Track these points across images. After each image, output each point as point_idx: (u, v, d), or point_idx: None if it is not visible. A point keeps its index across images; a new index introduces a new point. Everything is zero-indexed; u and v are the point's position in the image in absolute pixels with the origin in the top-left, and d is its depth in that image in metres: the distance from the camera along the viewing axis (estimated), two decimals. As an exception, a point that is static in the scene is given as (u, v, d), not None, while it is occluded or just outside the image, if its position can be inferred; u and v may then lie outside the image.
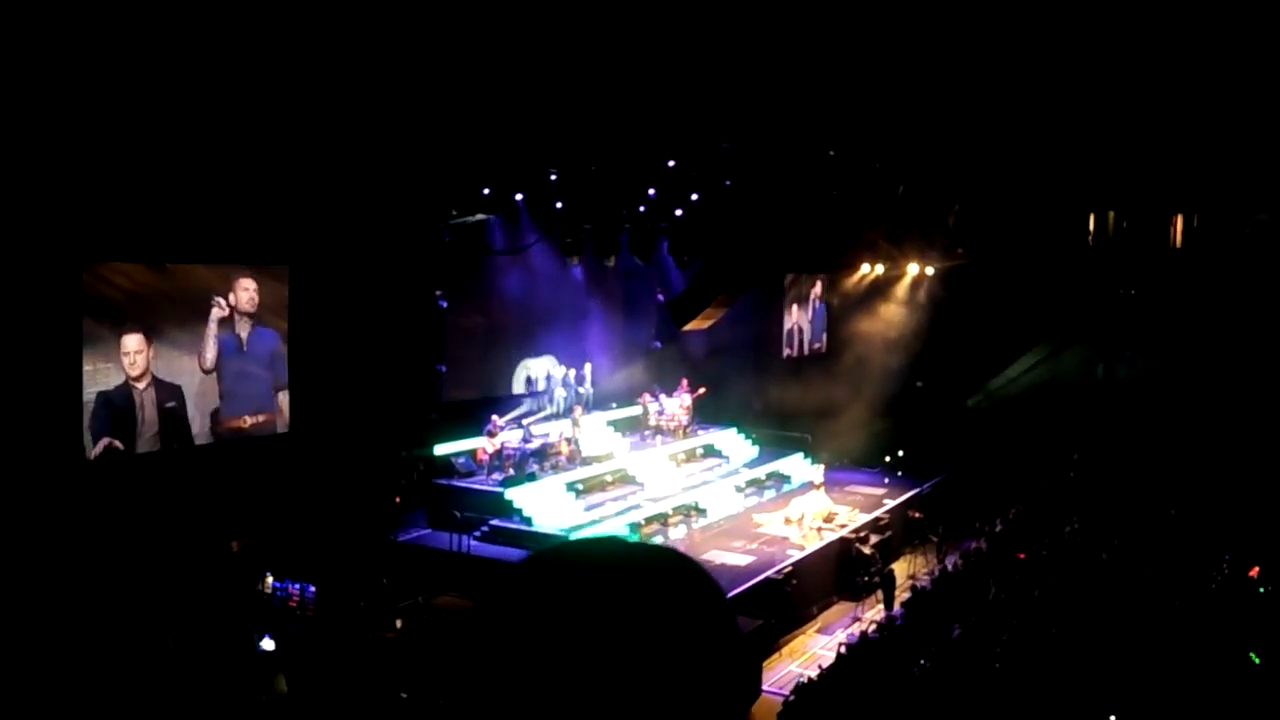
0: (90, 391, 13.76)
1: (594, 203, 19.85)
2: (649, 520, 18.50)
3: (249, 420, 15.80)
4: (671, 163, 18.20)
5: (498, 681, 0.95)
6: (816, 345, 28.52)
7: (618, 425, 22.14)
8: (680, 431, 22.34)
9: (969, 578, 16.49)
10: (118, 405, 14.09)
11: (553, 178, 18.64)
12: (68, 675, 11.36)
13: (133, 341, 14.27)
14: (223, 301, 15.37)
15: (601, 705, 0.92)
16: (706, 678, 0.97)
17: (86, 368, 13.67)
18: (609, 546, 1.06)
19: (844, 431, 24.41)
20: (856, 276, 27.36)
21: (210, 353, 15.24)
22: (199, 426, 15.20)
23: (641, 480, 20.13)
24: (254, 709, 12.28)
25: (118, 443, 14.10)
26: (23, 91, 11.40)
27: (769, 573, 16.43)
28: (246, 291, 15.70)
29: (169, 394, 14.75)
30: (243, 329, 15.69)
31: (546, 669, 0.94)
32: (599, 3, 11.18)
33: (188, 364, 14.99)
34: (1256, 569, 14.82)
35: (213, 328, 15.24)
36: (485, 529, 17.21)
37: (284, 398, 16.23)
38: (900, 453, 24.02)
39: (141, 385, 14.38)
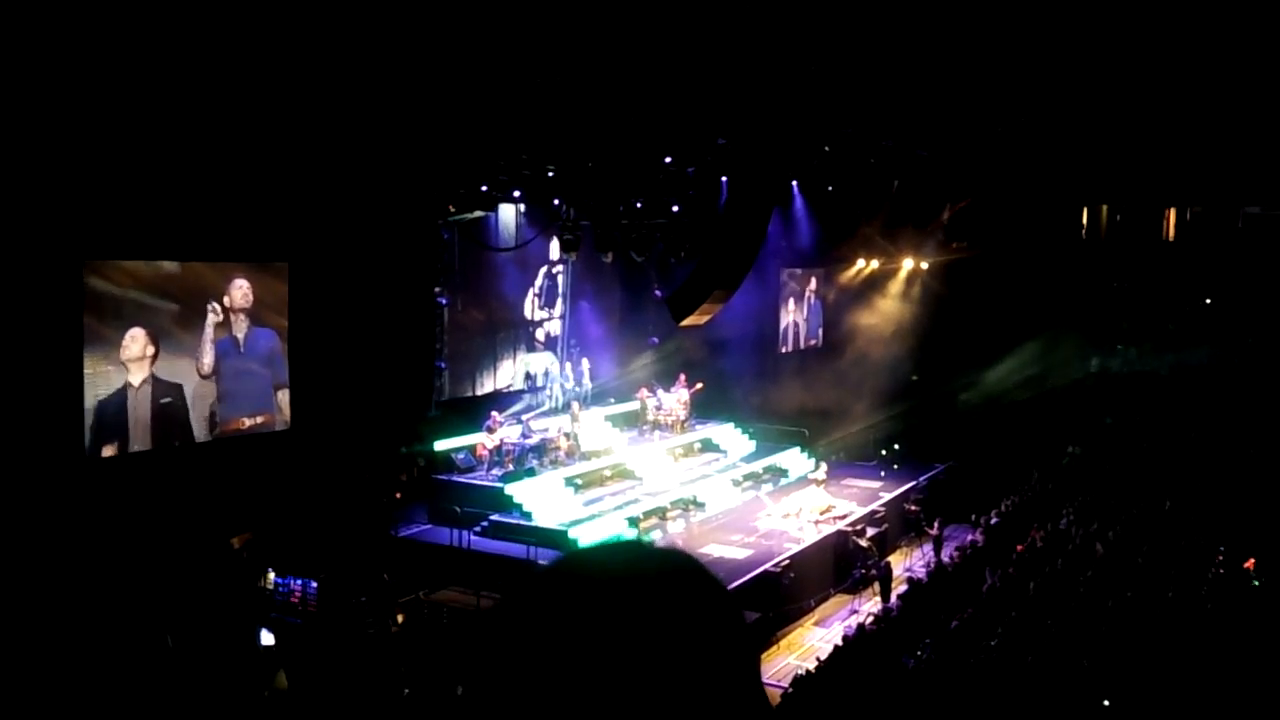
0: (91, 398, 13.75)
1: (592, 199, 19.92)
2: (647, 515, 18.60)
3: (248, 421, 15.80)
4: (668, 159, 18.28)
5: (512, 685, 0.99)
6: (813, 340, 28.61)
7: (616, 420, 22.23)
8: (678, 426, 22.43)
9: (965, 570, 16.62)
10: (110, 412, 14.06)
11: (550, 174, 18.72)
12: (70, 672, 11.43)
13: (137, 335, 14.29)
14: (217, 306, 15.28)
15: (613, 710, 0.95)
16: (716, 684, 1.00)
17: (87, 371, 13.69)
18: (625, 552, 1.10)
19: (841, 426, 24.52)
20: (852, 271, 27.46)
21: (208, 358, 15.18)
22: (198, 429, 15.14)
23: (640, 475, 20.23)
24: (255, 705, 12.36)
25: (112, 449, 14.12)
26: (22, 90, 11.44)
27: (766, 566, 16.53)
28: (240, 290, 15.63)
29: (166, 392, 14.74)
30: (239, 329, 15.68)
31: (560, 674, 0.96)
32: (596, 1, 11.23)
33: (186, 366, 14.99)
34: (1251, 561, 14.94)
35: (209, 333, 15.17)
36: (485, 524, 17.30)
37: (284, 396, 16.25)
38: (896, 446, 24.14)
39: (137, 381, 14.32)
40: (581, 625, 0.99)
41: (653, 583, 1.04)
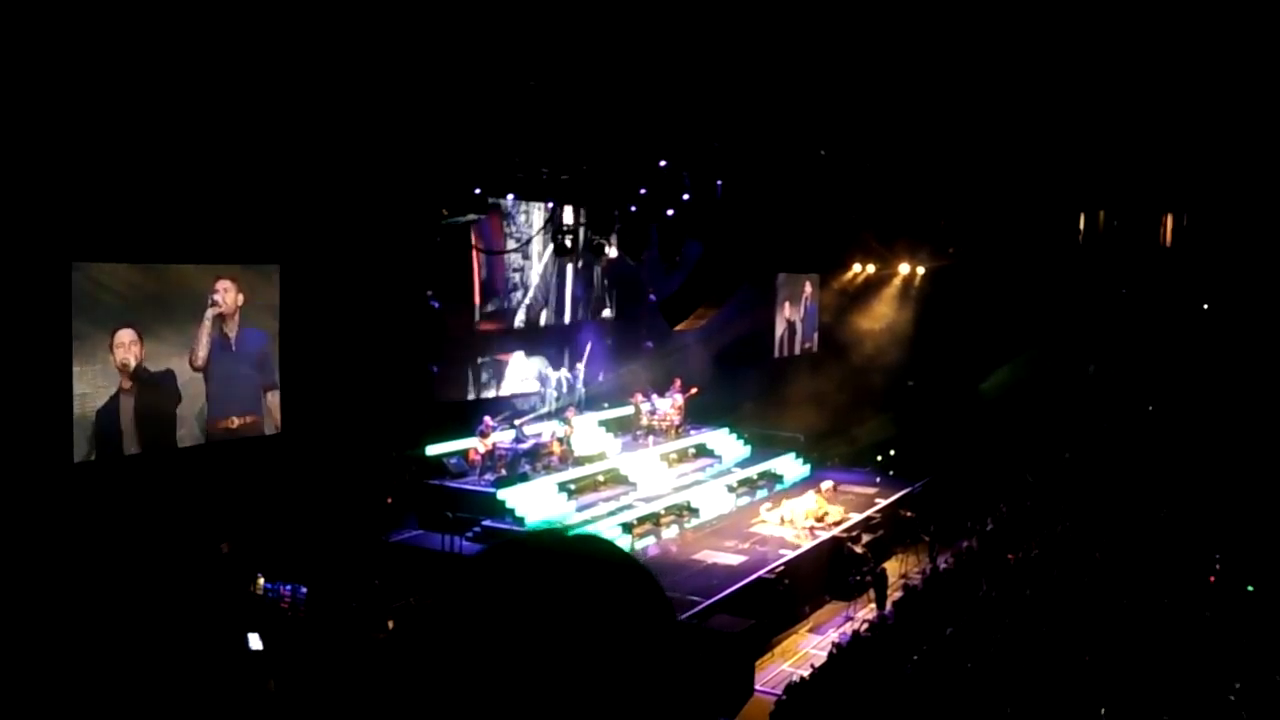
0: (78, 399, 13.60)
1: (586, 202, 19.83)
2: (641, 520, 18.47)
3: (236, 421, 15.68)
4: (663, 162, 18.19)
5: (442, 670, 1.03)
6: (808, 345, 28.53)
7: (610, 425, 22.12)
8: (672, 431, 22.33)
9: (960, 577, 16.51)
10: (98, 415, 13.96)
11: (544, 176, 18.62)
12: (58, 678, 11.31)
13: (125, 335, 14.14)
14: (218, 299, 15.29)
15: (541, 692, 0.98)
16: (647, 666, 1.04)
17: (76, 368, 13.56)
18: (549, 540, 1.14)
19: (836, 431, 24.42)
20: (848, 276, 27.40)
21: (203, 350, 15.12)
22: (187, 428, 15.06)
23: (634, 480, 20.12)
24: (245, 711, 12.24)
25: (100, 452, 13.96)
26: (10, 91, 11.33)
27: (761, 572, 16.43)
28: (229, 292, 15.49)
29: (155, 390, 14.60)
30: (230, 328, 15.59)
31: (490, 658, 1.00)
32: (590, 3, 11.16)
33: (177, 362, 14.87)
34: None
35: (207, 325, 15.14)
36: (477, 529, 17.17)
37: (274, 398, 16.10)
38: (892, 452, 24.03)
39: (127, 385, 14.21)
40: (510, 600, 1.04)
41: (575, 562, 1.09)
